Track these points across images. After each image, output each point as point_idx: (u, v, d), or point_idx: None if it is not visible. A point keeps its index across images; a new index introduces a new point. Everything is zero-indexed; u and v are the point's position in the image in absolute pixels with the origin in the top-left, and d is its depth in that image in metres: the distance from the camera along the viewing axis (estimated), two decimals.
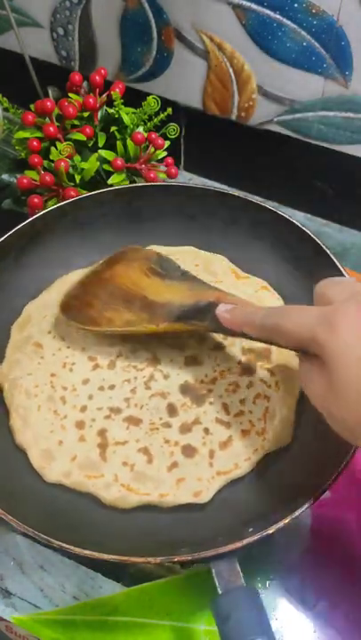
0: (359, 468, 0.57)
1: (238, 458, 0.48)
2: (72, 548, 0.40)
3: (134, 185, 0.60)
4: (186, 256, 0.60)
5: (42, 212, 0.56)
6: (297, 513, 0.41)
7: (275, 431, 0.49)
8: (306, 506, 0.41)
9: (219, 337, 0.54)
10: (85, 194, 0.58)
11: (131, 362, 0.53)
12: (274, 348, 0.54)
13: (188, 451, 0.48)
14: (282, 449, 0.49)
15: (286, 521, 0.41)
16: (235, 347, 0.54)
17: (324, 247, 0.55)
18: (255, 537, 0.40)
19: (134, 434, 0.49)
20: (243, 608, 0.38)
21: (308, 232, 0.56)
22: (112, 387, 0.52)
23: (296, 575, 0.52)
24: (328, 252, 0.54)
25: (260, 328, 0.41)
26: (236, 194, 0.59)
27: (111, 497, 0.47)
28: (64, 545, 0.40)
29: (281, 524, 0.41)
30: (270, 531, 0.40)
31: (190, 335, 0.55)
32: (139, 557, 0.40)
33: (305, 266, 0.57)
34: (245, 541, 0.40)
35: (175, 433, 0.49)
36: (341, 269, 0.53)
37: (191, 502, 0.46)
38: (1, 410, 0.51)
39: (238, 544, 0.40)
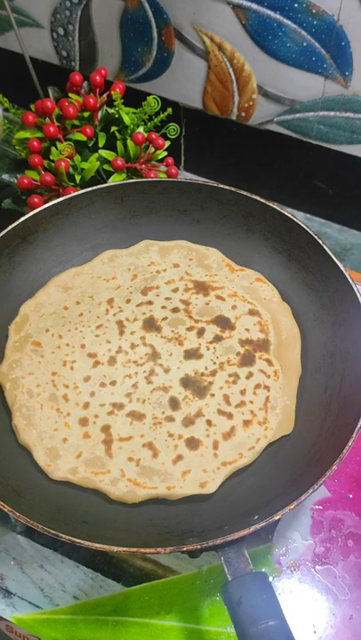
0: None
1: (242, 448, 0.49)
2: (82, 541, 0.40)
3: (124, 182, 0.60)
4: (180, 250, 0.61)
5: (33, 212, 0.57)
6: (302, 498, 0.42)
7: (276, 420, 0.50)
8: (310, 491, 0.42)
9: (217, 329, 0.55)
10: (76, 193, 0.59)
11: (130, 357, 0.54)
12: (272, 338, 0.55)
13: (193, 443, 0.49)
14: (285, 437, 0.50)
15: (292, 507, 0.41)
16: (233, 339, 0.55)
17: (315, 236, 0.55)
18: (262, 524, 0.41)
19: (138, 429, 0.50)
20: (253, 592, 0.39)
21: (298, 222, 0.56)
22: (113, 383, 0.52)
23: (296, 574, 0.52)
24: (320, 241, 0.55)
25: None
26: (226, 187, 0.60)
27: (119, 492, 0.47)
28: (75, 539, 0.40)
29: (287, 509, 0.41)
30: (276, 517, 0.41)
31: (188, 329, 0.55)
32: (149, 548, 0.40)
33: (297, 255, 0.57)
34: (253, 528, 0.40)
35: (179, 426, 0.50)
36: (333, 257, 0.54)
37: (198, 493, 0.47)
38: (3, 410, 0.52)
39: (245, 531, 0.40)
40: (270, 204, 0.58)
